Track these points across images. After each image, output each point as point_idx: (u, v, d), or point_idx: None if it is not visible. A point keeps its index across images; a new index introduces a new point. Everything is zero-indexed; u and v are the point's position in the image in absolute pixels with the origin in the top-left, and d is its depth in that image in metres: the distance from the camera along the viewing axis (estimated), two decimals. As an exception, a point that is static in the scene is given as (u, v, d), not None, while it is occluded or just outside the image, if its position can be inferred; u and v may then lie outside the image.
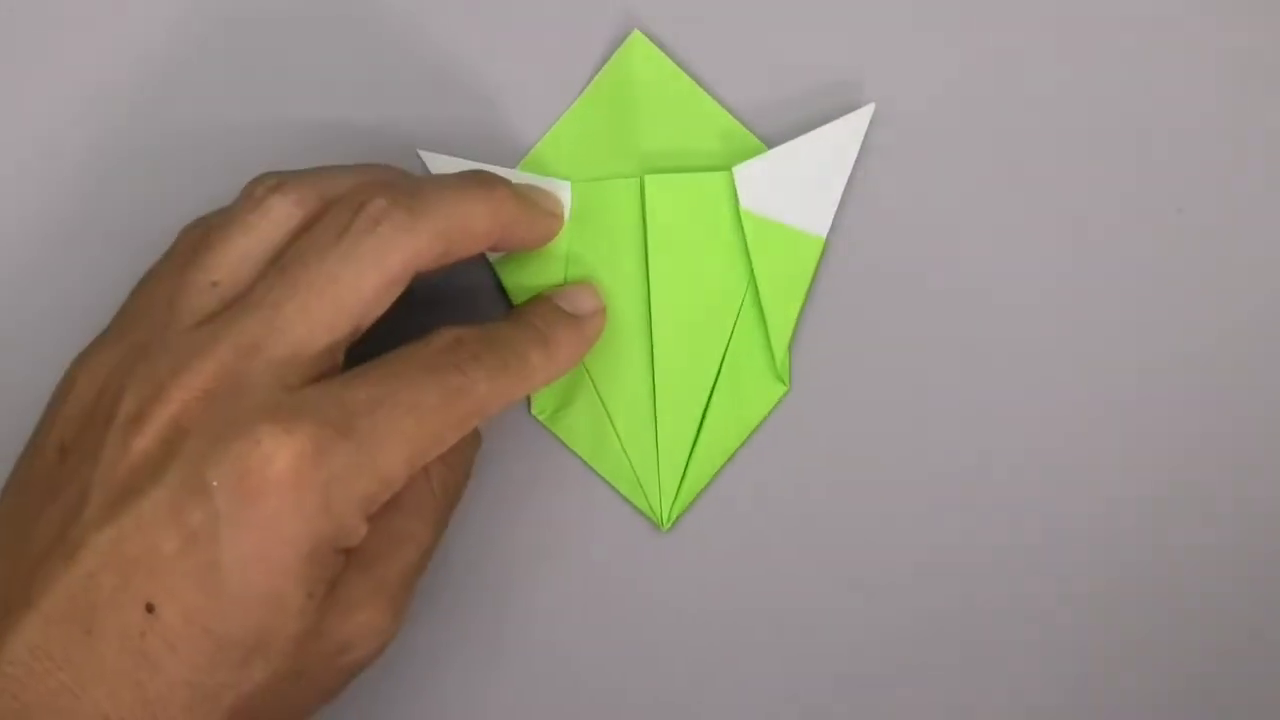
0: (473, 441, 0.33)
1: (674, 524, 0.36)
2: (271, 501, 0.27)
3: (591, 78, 0.36)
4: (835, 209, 0.35)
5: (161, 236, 0.32)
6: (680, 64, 0.36)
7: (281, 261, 0.30)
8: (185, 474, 0.27)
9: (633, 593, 0.35)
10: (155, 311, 0.30)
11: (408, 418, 0.28)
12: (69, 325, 0.33)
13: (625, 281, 0.35)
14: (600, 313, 0.34)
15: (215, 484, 0.27)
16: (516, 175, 0.35)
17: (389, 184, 0.31)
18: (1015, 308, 0.36)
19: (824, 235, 0.35)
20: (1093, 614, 0.35)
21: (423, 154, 0.36)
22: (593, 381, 0.36)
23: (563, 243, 0.35)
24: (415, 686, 0.35)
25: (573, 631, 0.36)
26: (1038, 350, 0.36)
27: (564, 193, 0.35)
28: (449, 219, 0.31)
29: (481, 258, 0.36)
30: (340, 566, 0.29)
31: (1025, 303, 0.36)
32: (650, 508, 0.36)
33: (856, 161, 0.35)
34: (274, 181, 0.31)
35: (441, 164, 0.35)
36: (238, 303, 0.29)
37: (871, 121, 0.35)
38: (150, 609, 0.27)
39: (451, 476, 0.32)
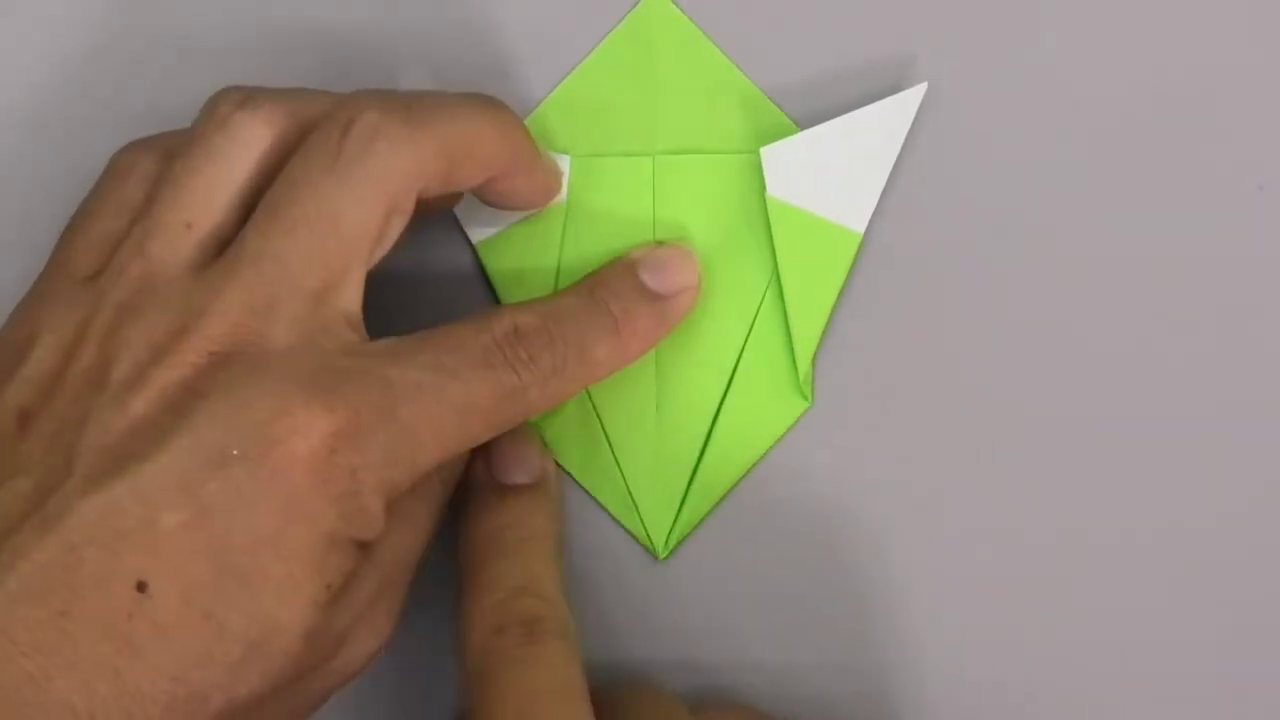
0: None
1: (672, 554, 0.34)
2: (298, 479, 0.26)
3: (601, 38, 0.34)
4: (875, 202, 0.33)
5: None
6: (704, 29, 0.34)
7: (270, 201, 0.28)
8: (199, 439, 0.26)
9: (622, 631, 0.34)
10: (122, 257, 0.28)
11: (453, 415, 0.28)
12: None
13: (628, 273, 0.34)
14: (692, 289, 0.33)
15: (236, 453, 0.25)
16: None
17: (377, 95, 0.29)
18: (1079, 319, 0.34)
19: (861, 231, 0.33)
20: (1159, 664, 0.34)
21: (403, 114, 0.33)
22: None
23: (558, 225, 0.34)
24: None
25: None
26: (1105, 366, 0.34)
27: (561, 167, 0.34)
28: (451, 134, 0.29)
29: (462, 238, 0.34)
30: (356, 562, 0.27)
31: (1091, 313, 0.34)
32: (645, 534, 0.34)
33: (902, 149, 0.33)
34: (239, 97, 0.29)
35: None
36: (231, 254, 0.28)
37: (922, 105, 0.33)
38: (142, 587, 0.25)
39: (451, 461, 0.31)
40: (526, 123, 0.34)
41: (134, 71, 0.34)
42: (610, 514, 0.34)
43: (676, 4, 0.34)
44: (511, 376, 0.28)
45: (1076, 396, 0.34)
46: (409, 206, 0.29)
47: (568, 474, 0.34)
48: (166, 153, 0.30)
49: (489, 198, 0.32)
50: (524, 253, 0.33)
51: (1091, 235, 0.34)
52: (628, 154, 0.34)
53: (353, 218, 0.28)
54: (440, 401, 0.27)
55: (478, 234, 0.33)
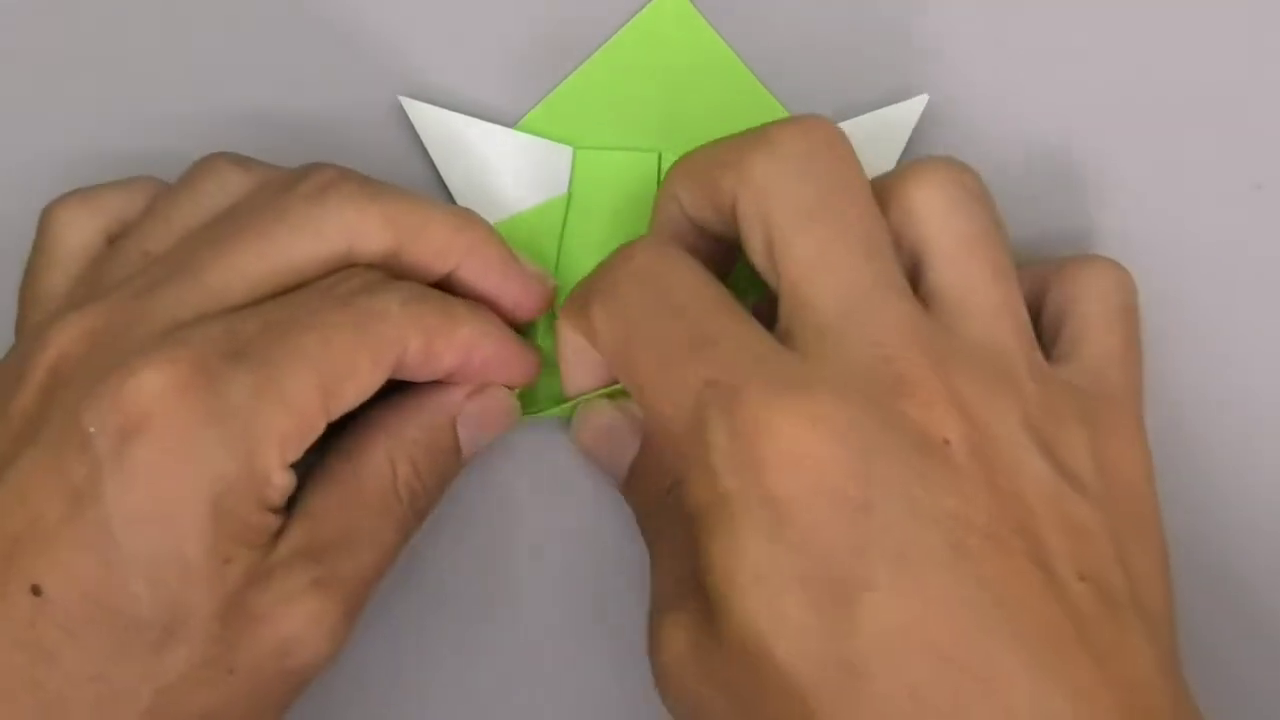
0: (448, 456, 0.30)
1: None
2: (157, 441, 0.24)
3: (613, 32, 0.34)
4: (868, 212, 0.32)
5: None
6: (716, 28, 0.34)
7: (209, 222, 0.28)
8: (63, 425, 0.25)
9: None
10: (84, 283, 0.28)
11: (309, 336, 0.26)
12: None
13: (627, 268, 0.33)
14: (536, 357, 0.31)
15: (93, 430, 0.24)
16: (512, 136, 0.33)
17: (347, 168, 0.29)
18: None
19: (852, 241, 0.32)
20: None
21: (405, 101, 0.33)
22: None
23: (559, 216, 0.33)
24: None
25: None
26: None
27: (564, 159, 0.33)
28: (403, 210, 0.28)
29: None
30: (267, 531, 0.26)
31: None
32: None
33: (900, 161, 0.33)
34: (235, 157, 0.29)
35: (426, 115, 0.33)
36: (152, 262, 0.28)
37: (923, 118, 0.33)
38: (37, 591, 0.24)
39: (419, 483, 0.29)
40: (534, 113, 0.34)
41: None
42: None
43: (693, 2, 0.34)
44: (365, 297, 0.27)
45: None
46: (339, 257, 0.28)
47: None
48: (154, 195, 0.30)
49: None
50: (525, 243, 0.33)
51: (1090, 237, 0.33)
52: (634, 149, 0.33)
53: (278, 241, 0.27)
54: (292, 327, 0.26)
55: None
